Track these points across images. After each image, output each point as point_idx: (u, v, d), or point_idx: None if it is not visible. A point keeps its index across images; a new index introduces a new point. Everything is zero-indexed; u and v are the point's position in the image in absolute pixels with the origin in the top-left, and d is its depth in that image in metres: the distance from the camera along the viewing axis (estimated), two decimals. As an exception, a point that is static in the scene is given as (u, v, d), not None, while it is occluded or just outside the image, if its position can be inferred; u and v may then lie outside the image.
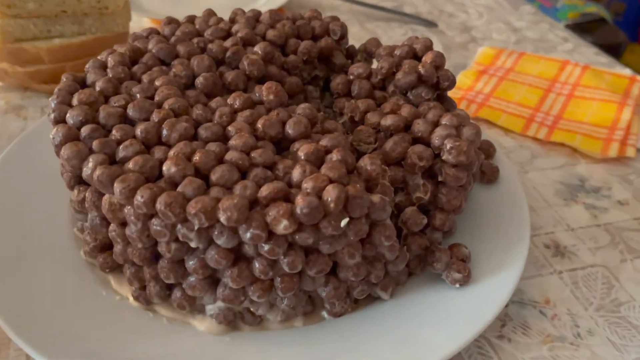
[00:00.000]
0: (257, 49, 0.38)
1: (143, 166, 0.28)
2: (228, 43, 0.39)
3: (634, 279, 0.37)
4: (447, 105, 0.39)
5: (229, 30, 0.41)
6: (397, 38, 0.68)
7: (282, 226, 0.26)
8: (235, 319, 0.31)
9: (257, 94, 0.35)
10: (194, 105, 0.33)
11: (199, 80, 0.35)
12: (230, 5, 0.72)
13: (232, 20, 0.43)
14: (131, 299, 0.32)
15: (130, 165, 0.28)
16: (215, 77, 0.35)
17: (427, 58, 0.38)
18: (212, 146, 0.30)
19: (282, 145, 0.32)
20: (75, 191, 0.31)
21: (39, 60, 0.51)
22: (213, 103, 0.34)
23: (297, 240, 0.27)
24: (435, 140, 0.32)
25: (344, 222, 0.27)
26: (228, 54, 0.38)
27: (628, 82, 0.58)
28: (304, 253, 0.28)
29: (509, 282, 0.33)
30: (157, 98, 0.33)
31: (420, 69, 0.37)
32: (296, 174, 0.28)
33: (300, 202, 0.26)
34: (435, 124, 0.34)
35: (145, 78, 0.35)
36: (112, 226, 0.30)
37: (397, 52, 0.39)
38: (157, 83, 0.34)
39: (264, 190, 0.27)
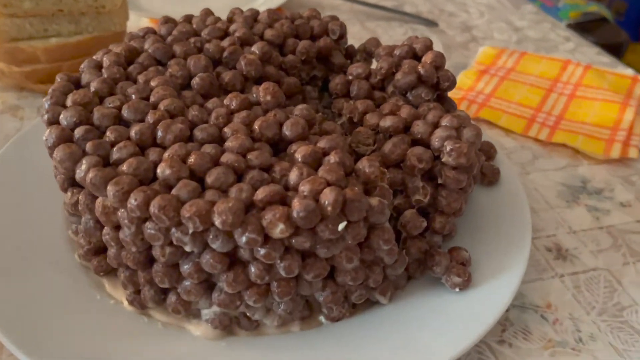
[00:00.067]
0: (255, 48, 0.38)
1: (137, 168, 0.28)
2: (225, 43, 0.38)
3: (637, 282, 0.37)
4: (447, 106, 0.39)
5: (226, 29, 0.40)
6: (398, 37, 0.68)
7: (279, 230, 0.26)
8: (231, 324, 0.31)
9: (254, 95, 0.34)
10: (190, 106, 0.33)
11: (195, 81, 0.35)
12: (229, 4, 0.71)
13: (230, 20, 0.43)
14: (126, 303, 0.31)
15: (124, 167, 0.28)
16: (211, 78, 0.35)
17: (427, 58, 0.37)
18: (208, 148, 0.29)
19: (279, 146, 0.32)
20: (69, 193, 0.31)
21: (35, 59, 0.50)
22: (209, 104, 0.33)
23: (294, 244, 0.27)
24: (435, 141, 0.32)
25: (341, 226, 0.27)
26: (225, 53, 0.37)
27: (630, 82, 0.57)
28: (300, 257, 0.28)
29: (510, 286, 0.32)
30: (152, 99, 0.33)
31: (420, 69, 0.36)
32: (293, 176, 0.28)
33: (296, 205, 0.26)
34: (435, 125, 0.33)
35: (140, 78, 0.35)
36: (106, 229, 0.29)
37: (397, 52, 0.39)
38: (152, 83, 0.34)
39: (260, 193, 0.27)
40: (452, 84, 0.37)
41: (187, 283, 0.29)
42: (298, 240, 0.26)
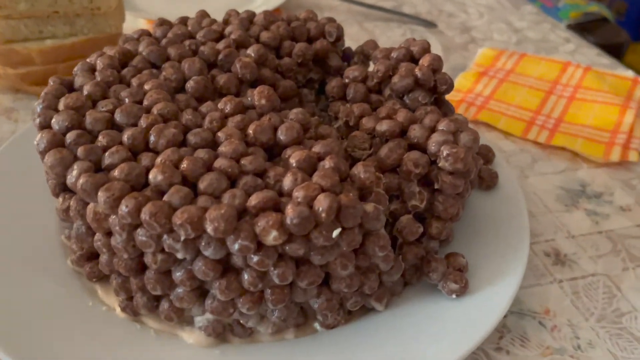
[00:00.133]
0: (250, 51, 0.37)
1: (129, 174, 0.27)
2: (221, 45, 0.38)
3: (636, 288, 0.36)
4: (445, 109, 0.38)
5: (222, 32, 0.40)
6: (396, 38, 0.67)
7: (272, 237, 0.25)
8: (225, 331, 0.30)
9: (249, 98, 0.34)
10: (184, 109, 0.32)
11: (190, 84, 0.34)
12: (228, 4, 0.71)
13: (226, 22, 0.42)
14: (118, 309, 0.31)
15: (115, 173, 0.27)
16: (206, 81, 0.35)
17: (424, 61, 0.37)
18: (201, 153, 0.29)
19: (273, 151, 0.31)
20: (60, 199, 0.31)
21: (30, 61, 0.50)
22: (203, 108, 0.33)
23: (288, 251, 0.26)
24: (432, 146, 0.31)
25: (335, 233, 0.26)
26: (220, 56, 0.37)
27: (630, 84, 0.57)
28: (294, 264, 0.27)
29: (507, 293, 0.32)
30: (145, 102, 0.32)
31: (417, 72, 0.36)
32: (287, 182, 0.27)
33: (290, 212, 0.25)
34: (432, 130, 0.33)
35: (134, 82, 0.34)
36: (98, 236, 0.29)
37: (394, 54, 0.38)
38: (146, 87, 0.33)
39: (253, 200, 0.26)
40: (450, 87, 0.36)
41: (179, 290, 0.28)
42: (292, 247, 0.26)
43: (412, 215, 0.32)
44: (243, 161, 0.29)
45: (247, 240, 0.25)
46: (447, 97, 0.39)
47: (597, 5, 1.37)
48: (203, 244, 0.26)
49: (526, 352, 0.32)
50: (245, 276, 0.27)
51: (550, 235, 0.40)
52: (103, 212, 0.27)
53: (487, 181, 0.39)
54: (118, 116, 0.31)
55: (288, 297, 0.28)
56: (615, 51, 1.30)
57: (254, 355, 0.30)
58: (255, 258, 0.26)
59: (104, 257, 0.30)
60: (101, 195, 0.26)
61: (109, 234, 0.28)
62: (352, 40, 0.66)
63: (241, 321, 0.30)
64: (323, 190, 0.27)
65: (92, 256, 0.32)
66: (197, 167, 0.27)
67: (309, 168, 0.28)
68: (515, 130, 0.51)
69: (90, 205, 0.28)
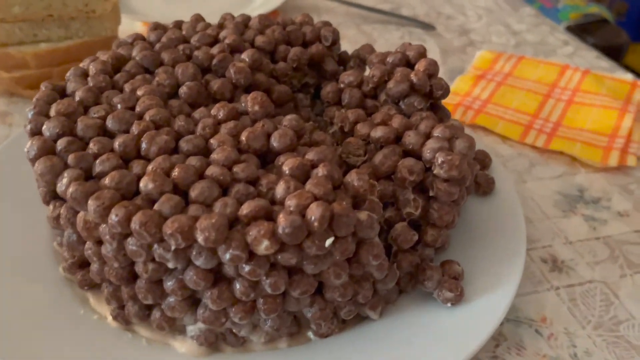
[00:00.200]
0: (245, 56, 0.37)
1: (119, 182, 0.27)
2: (215, 50, 0.37)
3: (634, 295, 0.36)
4: (441, 114, 0.38)
5: (216, 36, 0.40)
6: (394, 41, 0.67)
7: (263, 246, 0.25)
8: (217, 340, 0.30)
9: (243, 104, 0.34)
10: (177, 116, 0.32)
11: (183, 90, 0.34)
12: (225, 6, 0.70)
13: (221, 26, 0.42)
14: (110, 318, 0.31)
15: (106, 181, 0.27)
16: (199, 87, 0.34)
17: (420, 66, 0.36)
18: (193, 160, 0.28)
19: (267, 158, 0.31)
20: (51, 206, 0.30)
21: (25, 65, 0.50)
22: (196, 114, 0.33)
23: (280, 260, 0.26)
24: (427, 153, 0.31)
25: (328, 242, 0.26)
26: (214, 61, 0.36)
27: (629, 87, 0.57)
28: (287, 273, 0.27)
29: (504, 301, 0.31)
30: (138, 109, 0.32)
31: (413, 77, 0.35)
32: (280, 190, 0.27)
33: (282, 221, 0.25)
34: (427, 136, 0.32)
35: (127, 87, 0.34)
36: (88, 244, 0.29)
37: (390, 59, 0.38)
38: (139, 92, 0.33)
39: (245, 208, 0.26)
40: (446, 92, 0.36)
41: (171, 299, 0.28)
42: (284, 257, 0.26)
43: (407, 223, 0.32)
44: (235, 169, 0.28)
45: (238, 249, 0.25)
46: (445, 100, 0.38)
47: (597, 7, 1.37)
48: (194, 253, 0.26)
49: (522, 360, 0.32)
50: (237, 286, 0.27)
51: (548, 241, 0.40)
52: (93, 220, 0.27)
53: (484, 187, 0.39)
54: (110, 123, 0.31)
55: (281, 306, 0.28)
56: (615, 52, 1.29)
57: (246, 364, 0.29)
58: (247, 268, 0.26)
59: (94, 266, 0.29)
60: (91, 204, 0.26)
61: (99, 242, 0.28)
62: (350, 43, 0.66)
63: (234, 330, 0.29)
64: (316, 198, 0.26)
65: (84, 264, 0.32)
66: (188, 175, 0.27)
67: (302, 176, 0.28)
68: (513, 134, 0.51)
69: (81, 214, 0.28)
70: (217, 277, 0.27)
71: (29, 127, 0.31)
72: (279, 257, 0.26)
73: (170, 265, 0.26)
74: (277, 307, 0.28)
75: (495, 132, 0.51)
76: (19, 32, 0.49)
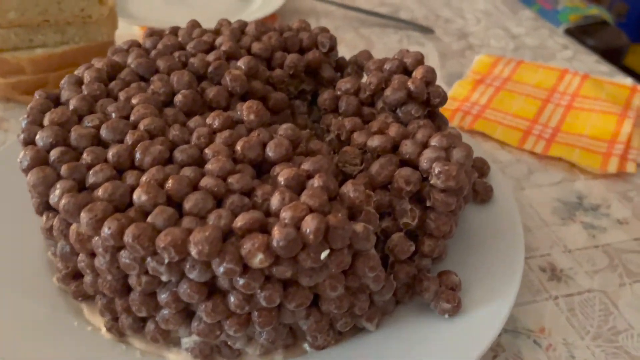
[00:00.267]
0: (241, 63, 0.37)
1: (112, 194, 0.27)
2: (211, 57, 0.37)
3: (633, 305, 0.36)
4: (439, 121, 0.38)
5: (212, 42, 0.39)
6: (392, 45, 0.67)
7: (258, 260, 0.25)
8: (212, 353, 0.30)
9: (238, 112, 0.33)
10: (172, 125, 0.32)
11: (178, 98, 0.34)
12: (223, 10, 0.70)
13: (217, 32, 0.42)
14: (104, 330, 0.30)
15: (99, 192, 0.27)
16: (194, 95, 0.34)
17: (418, 73, 0.36)
18: (187, 171, 0.28)
19: (262, 167, 0.31)
20: (44, 217, 0.30)
21: (20, 70, 0.49)
22: (191, 123, 0.32)
23: (275, 273, 0.26)
24: (424, 163, 0.31)
25: (324, 255, 0.25)
26: (210, 68, 0.36)
27: (629, 92, 0.56)
28: (282, 286, 0.27)
29: (502, 312, 0.31)
30: (132, 118, 0.32)
31: (410, 85, 0.35)
32: (275, 201, 0.27)
33: (276, 234, 0.25)
34: (424, 145, 0.32)
35: (121, 95, 0.34)
36: (81, 256, 0.28)
37: (387, 66, 0.37)
38: (133, 101, 0.33)
39: (239, 221, 0.26)
40: (443, 100, 0.36)
41: (165, 312, 0.28)
42: (279, 270, 0.25)
43: (404, 233, 0.32)
44: (230, 179, 0.28)
45: (232, 263, 0.25)
46: (443, 106, 0.38)
47: (596, 8, 1.37)
48: (188, 266, 0.25)
49: (520, 372, 0.32)
50: (232, 298, 0.26)
51: (546, 250, 0.40)
52: (86, 233, 0.27)
53: (482, 195, 0.39)
54: (104, 132, 0.30)
55: (276, 319, 0.28)
56: (615, 54, 1.29)
57: (241, 377, 0.29)
58: (242, 281, 0.25)
59: (88, 278, 0.29)
60: (83, 216, 0.26)
61: (92, 254, 0.28)
62: (348, 47, 0.66)
63: (229, 343, 0.29)
64: (311, 210, 0.26)
65: (78, 275, 0.32)
66: (182, 187, 0.27)
67: (298, 186, 0.28)
68: (512, 140, 0.50)
69: (73, 226, 0.27)
70: (212, 290, 0.27)
71: (22, 136, 0.31)
72: (274, 270, 0.25)
73: (164, 278, 0.26)
74: (272, 319, 0.27)
75: (494, 137, 0.51)
76: (15, 38, 0.49)
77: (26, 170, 0.29)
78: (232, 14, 0.69)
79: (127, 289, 0.28)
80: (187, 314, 0.28)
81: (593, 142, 0.49)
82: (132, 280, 0.27)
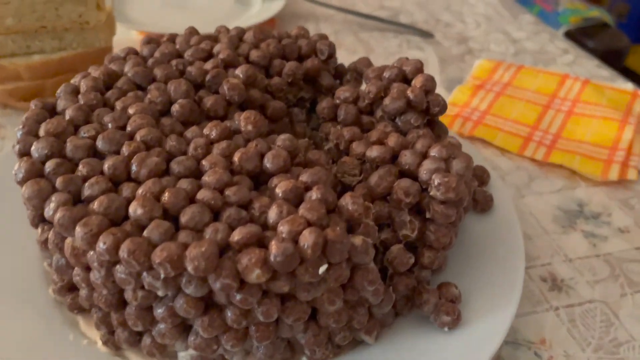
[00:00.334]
0: (239, 72, 0.36)
1: (108, 207, 0.26)
2: (209, 65, 0.37)
3: (634, 315, 0.35)
4: (438, 130, 0.37)
5: (210, 50, 0.39)
6: (392, 49, 0.66)
7: (255, 275, 0.24)
8: (209, 367, 0.29)
9: (236, 122, 0.33)
10: (168, 135, 0.32)
11: (175, 108, 0.33)
12: (222, 14, 0.70)
13: (215, 39, 0.42)
14: (100, 343, 0.30)
15: (94, 206, 0.26)
16: (192, 104, 0.34)
17: (417, 82, 0.36)
18: (184, 183, 0.28)
19: (260, 179, 0.31)
20: (39, 230, 0.30)
21: (17, 77, 0.49)
22: (189, 133, 0.32)
23: (272, 288, 0.25)
24: (423, 174, 0.30)
25: (322, 269, 0.25)
26: (208, 77, 0.36)
27: (630, 98, 0.56)
28: (280, 300, 0.26)
29: (502, 324, 0.31)
30: (129, 128, 0.31)
31: (410, 94, 0.35)
32: (272, 214, 0.27)
33: (274, 249, 0.24)
34: (424, 156, 0.32)
35: (118, 105, 0.33)
36: (77, 270, 0.28)
37: (386, 74, 0.37)
38: (130, 111, 0.32)
39: (237, 235, 0.25)
40: (443, 109, 0.35)
41: (161, 326, 0.27)
42: (276, 285, 0.25)
43: (403, 245, 0.31)
44: (227, 192, 0.28)
45: (229, 278, 0.24)
46: (443, 112, 0.38)
47: (597, 10, 1.36)
48: (184, 281, 0.25)
49: (521, 385, 0.31)
50: (229, 313, 0.26)
51: (547, 259, 0.39)
52: (81, 247, 0.26)
53: (482, 204, 0.38)
54: (100, 143, 0.30)
55: (274, 333, 0.27)
56: (615, 56, 1.29)
57: (239, 391, 0.29)
58: (239, 296, 0.25)
59: (83, 292, 0.29)
60: (78, 230, 0.25)
61: (87, 268, 0.28)
62: (347, 52, 0.65)
63: (226, 357, 0.29)
64: (309, 224, 0.26)
65: (74, 287, 0.31)
66: (178, 200, 0.26)
67: (296, 199, 0.28)
68: (512, 146, 0.50)
69: (68, 240, 0.27)
70: (208, 304, 0.26)
71: (17, 147, 0.30)
72: (271, 285, 0.25)
73: (160, 293, 0.26)
74: (269, 334, 0.27)
75: (494, 144, 0.50)
76: (12, 44, 0.49)
77: (21, 183, 0.29)
78: (230, 18, 0.69)
79: (123, 303, 0.28)
80: (183, 327, 0.28)
81: (594, 148, 0.49)
82: (128, 295, 0.27)
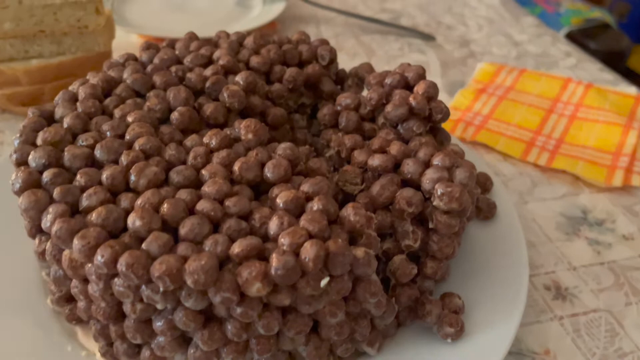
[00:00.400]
0: (239, 78, 0.36)
1: (106, 219, 0.26)
2: (209, 71, 0.36)
3: (639, 325, 0.35)
4: (441, 137, 0.37)
5: (210, 56, 0.39)
6: (393, 53, 0.66)
7: (255, 289, 0.24)
8: (209, 380, 0.29)
9: (236, 129, 0.33)
10: (168, 143, 0.31)
11: (175, 116, 0.33)
12: (222, 17, 0.69)
13: (215, 44, 0.41)
14: (98, 355, 0.30)
15: (92, 217, 0.26)
16: (191, 112, 0.33)
17: (419, 88, 0.35)
18: (183, 194, 0.27)
19: (260, 188, 0.30)
20: (36, 240, 0.29)
21: (16, 82, 0.49)
22: (188, 141, 0.32)
23: (273, 301, 0.25)
24: (426, 183, 0.30)
25: (324, 282, 0.25)
26: (207, 84, 0.35)
27: (633, 102, 0.56)
28: (280, 313, 0.26)
29: (506, 335, 0.30)
30: (127, 137, 0.31)
31: (412, 101, 0.34)
32: (273, 226, 0.26)
33: (275, 262, 0.24)
34: (426, 164, 0.31)
35: (117, 113, 0.33)
36: (74, 282, 0.28)
37: (388, 80, 0.37)
38: (129, 119, 0.32)
39: (237, 247, 0.25)
40: (445, 116, 0.35)
41: (160, 339, 0.27)
42: (277, 298, 0.25)
43: (406, 255, 0.31)
44: (227, 202, 0.27)
45: (229, 292, 0.24)
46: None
47: (599, 11, 1.36)
48: (183, 294, 0.25)
49: (525, 397, 0.31)
50: (229, 326, 0.26)
51: (551, 267, 0.39)
52: (78, 260, 0.26)
53: (485, 212, 0.38)
54: (98, 152, 0.30)
55: (274, 346, 0.27)
56: (617, 57, 1.28)
57: (239, 404, 0.28)
58: (239, 310, 0.25)
59: (81, 304, 0.28)
60: (76, 243, 0.25)
61: (86, 280, 0.27)
62: (349, 54, 0.65)
63: (226, 369, 0.28)
64: (310, 235, 0.25)
65: (72, 298, 0.31)
66: (177, 212, 0.26)
67: (297, 209, 0.27)
68: (515, 151, 0.49)
69: (66, 252, 0.26)
70: (208, 317, 0.26)
71: (14, 157, 0.30)
72: (272, 298, 0.25)
73: (159, 306, 0.25)
74: (270, 347, 0.27)
75: (497, 149, 0.50)
76: (10, 48, 0.48)
77: (18, 193, 0.28)
78: (231, 21, 0.68)
79: (122, 316, 0.28)
80: (183, 340, 0.28)
81: (597, 154, 0.49)
82: (127, 308, 0.26)
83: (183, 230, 0.26)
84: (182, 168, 0.29)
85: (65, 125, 0.32)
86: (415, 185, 0.31)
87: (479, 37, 0.70)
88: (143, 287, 0.25)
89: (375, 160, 0.31)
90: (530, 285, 0.37)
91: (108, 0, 0.68)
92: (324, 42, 0.42)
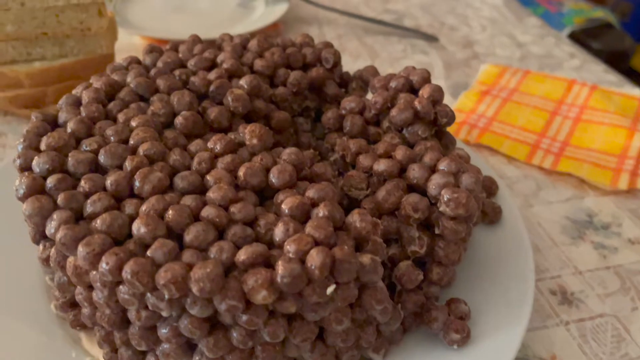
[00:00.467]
0: (243, 82, 0.36)
1: (111, 225, 0.26)
2: (212, 75, 0.36)
3: (647, 330, 0.35)
4: (446, 141, 0.37)
5: (214, 59, 0.38)
6: (396, 54, 0.66)
7: (261, 296, 0.24)
8: (214, 387, 0.29)
9: (240, 134, 0.32)
10: (172, 148, 0.31)
11: (179, 120, 0.33)
12: (225, 18, 0.69)
13: (219, 47, 0.41)
14: (102, 361, 0.30)
15: (97, 224, 0.26)
16: (195, 117, 0.33)
17: (424, 92, 0.35)
18: (188, 200, 0.27)
19: (265, 193, 0.30)
20: (41, 247, 0.29)
21: (18, 84, 0.48)
22: (192, 146, 0.31)
23: (279, 309, 0.25)
24: (432, 189, 0.30)
25: (330, 290, 0.25)
26: (212, 88, 0.35)
27: (638, 104, 0.55)
28: (286, 320, 0.26)
29: (512, 342, 0.30)
30: (131, 142, 0.31)
31: (417, 105, 0.34)
32: (279, 232, 0.26)
33: (281, 269, 0.24)
34: (432, 170, 0.31)
35: (120, 117, 0.33)
36: (79, 289, 0.27)
37: (393, 84, 0.36)
38: (133, 123, 0.32)
39: (242, 254, 0.25)
40: (451, 119, 0.35)
41: (165, 346, 0.27)
42: (283, 305, 0.25)
43: (412, 260, 0.31)
44: (232, 209, 0.27)
45: (234, 300, 0.24)
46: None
47: (601, 11, 1.35)
48: (189, 302, 0.24)
49: (531, 403, 0.31)
50: (234, 334, 0.25)
51: (556, 271, 0.39)
52: (83, 267, 0.26)
53: (491, 216, 0.38)
54: (102, 157, 0.29)
55: (280, 353, 0.27)
56: (621, 57, 1.28)
57: (244, 411, 0.28)
58: (245, 317, 0.24)
59: (85, 311, 0.28)
60: (81, 250, 0.25)
61: (90, 287, 0.27)
62: (352, 56, 0.65)
63: (231, 377, 0.28)
64: (316, 242, 0.25)
65: (76, 304, 0.31)
66: (182, 218, 0.26)
67: (302, 216, 0.27)
68: (520, 154, 0.49)
69: (71, 259, 0.26)
70: (214, 324, 0.26)
71: (18, 162, 0.30)
72: (278, 305, 0.24)
73: (164, 314, 0.25)
74: (276, 354, 0.26)
75: (501, 151, 0.50)
76: (13, 51, 0.48)
77: (22, 199, 0.28)
78: (234, 22, 0.68)
79: (126, 323, 0.27)
80: (188, 347, 0.27)
81: (602, 156, 0.48)
82: (132, 315, 0.26)
83: (188, 237, 0.25)
84: (187, 174, 0.29)
85: (69, 130, 0.31)
86: (421, 190, 0.31)
87: (482, 38, 0.70)
88: (148, 294, 0.25)
89: (381, 166, 0.31)
90: (536, 289, 0.37)
91: (110, 2, 0.67)
92: (328, 45, 0.41)
